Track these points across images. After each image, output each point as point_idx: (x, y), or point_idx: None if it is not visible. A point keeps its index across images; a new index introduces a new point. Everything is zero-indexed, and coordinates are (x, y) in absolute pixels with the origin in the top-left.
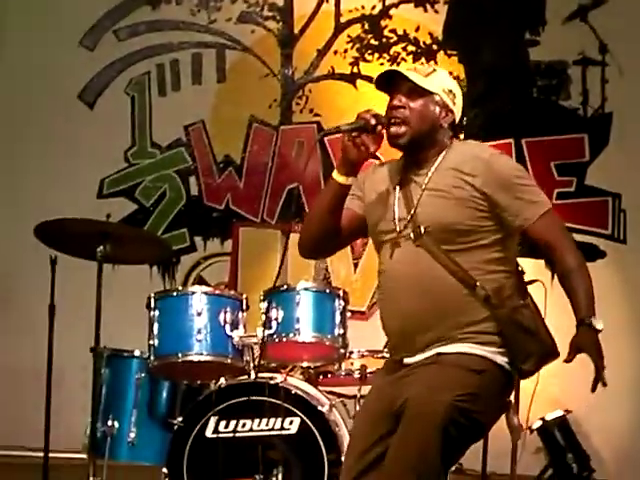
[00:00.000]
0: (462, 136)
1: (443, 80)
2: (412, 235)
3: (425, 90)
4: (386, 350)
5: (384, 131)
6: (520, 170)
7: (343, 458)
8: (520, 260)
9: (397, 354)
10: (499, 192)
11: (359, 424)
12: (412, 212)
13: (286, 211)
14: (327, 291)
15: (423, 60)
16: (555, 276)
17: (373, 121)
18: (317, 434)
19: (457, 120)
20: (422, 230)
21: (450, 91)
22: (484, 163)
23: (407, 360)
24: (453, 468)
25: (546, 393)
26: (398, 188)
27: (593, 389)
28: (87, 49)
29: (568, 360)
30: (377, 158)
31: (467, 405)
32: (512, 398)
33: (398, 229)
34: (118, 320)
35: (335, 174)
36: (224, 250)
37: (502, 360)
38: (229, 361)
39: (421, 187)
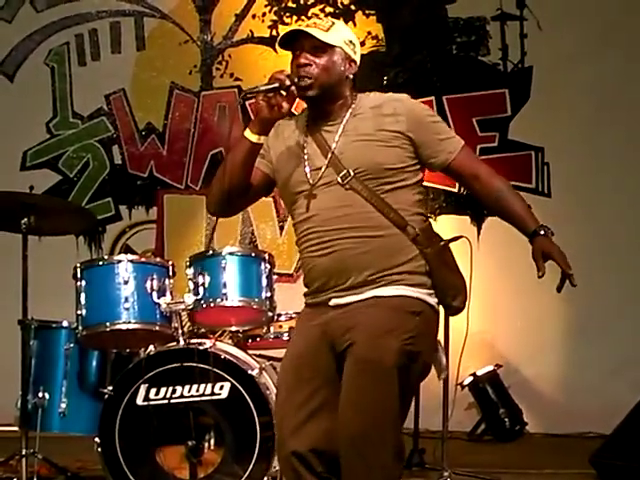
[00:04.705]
0: None
1: (343, 32)
2: (340, 179)
3: (328, 44)
4: (306, 295)
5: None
6: (431, 110)
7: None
8: (445, 218)
9: (323, 295)
10: (419, 130)
11: (289, 373)
12: (328, 160)
13: (210, 177)
14: (252, 255)
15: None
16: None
17: (287, 82)
18: (248, 398)
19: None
20: (351, 173)
21: (350, 42)
22: (402, 104)
23: (336, 301)
24: None
25: (475, 349)
26: (310, 140)
27: (559, 290)
28: (5, 21)
29: (542, 274)
30: (292, 117)
31: (413, 347)
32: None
33: (313, 179)
34: (46, 292)
35: (248, 133)
36: (149, 218)
37: (433, 301)
38: (157, 328)
39: (337, 135)
